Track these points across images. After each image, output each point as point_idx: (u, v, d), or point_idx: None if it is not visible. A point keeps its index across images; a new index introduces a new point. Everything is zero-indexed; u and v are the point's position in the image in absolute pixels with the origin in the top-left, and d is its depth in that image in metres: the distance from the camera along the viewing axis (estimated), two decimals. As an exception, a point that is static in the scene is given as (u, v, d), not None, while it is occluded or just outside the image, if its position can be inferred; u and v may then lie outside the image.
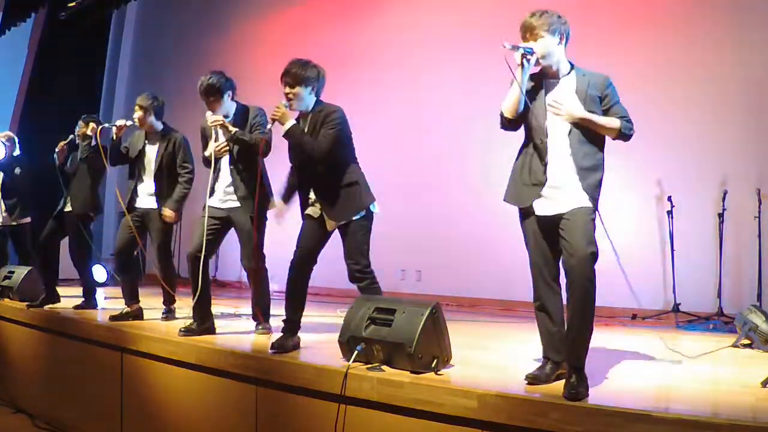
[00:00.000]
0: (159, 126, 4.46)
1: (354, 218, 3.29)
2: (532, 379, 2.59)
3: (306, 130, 3.33)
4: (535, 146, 2.69)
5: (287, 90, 3.33)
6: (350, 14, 7.69)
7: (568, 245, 2.53)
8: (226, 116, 3.84)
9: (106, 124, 4.52)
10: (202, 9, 9.21)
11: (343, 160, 3.34)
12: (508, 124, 2.72)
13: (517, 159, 2.80)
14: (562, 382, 2.45)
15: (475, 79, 6.40)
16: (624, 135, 2.66)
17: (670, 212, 5.41)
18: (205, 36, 8.99)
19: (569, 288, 2.53)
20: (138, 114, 4.38)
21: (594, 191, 2.63)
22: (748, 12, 5.35)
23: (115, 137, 4.41)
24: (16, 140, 5.92)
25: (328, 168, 3.30)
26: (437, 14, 7.03)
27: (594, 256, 2.49)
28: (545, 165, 2.65)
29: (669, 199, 5.43)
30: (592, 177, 2.62)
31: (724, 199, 5.21)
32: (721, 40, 5.44)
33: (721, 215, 5.21)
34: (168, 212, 4.33)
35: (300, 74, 3.31)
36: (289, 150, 3.43)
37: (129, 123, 4.42)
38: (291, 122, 3.28)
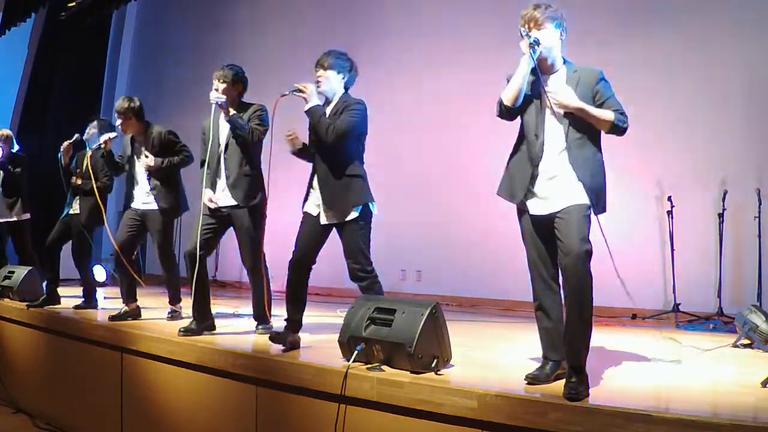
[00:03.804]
0: (142, 126, 4.44)
1: (350, 217, 3.27)
2: (532, 379, 2.59)
3: (327, 116, 3.34)
4: (528, 141, 2.69)
5: (320, 72, 3.37)
6: (352, 11, 7.69)
7: (563, 244, 2.52)
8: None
9: (95, 146, 4.56)
10: (202, 9, 9.21)
11: (351, 153, 3.34)
12: (507, 113, 2.70)
13: (512, 154, 2.78)
14: (563, 381, 2.45)
15: (475, 78, 6.39)
16: (618, 128, 2.61)
17: (670, 212, 5.41)
18: (206, 36, 8.99)
19: (566, 287, 2.53)
20: (118, 121, 4.38)
21: (601, 193, 2.62)
22: (748, 11, 5.36)
23: (105, 153, 4.44)
24: (13, 137, 5.91)
25: (335, 156, 3.30)
26: (437, 14, 7.03)
27: (588, 254, 2.48)
28: (539, 160, 2.64)
29: (669, 199, 5.43)
30: (596, 179, 2.61)
31: (724, 199, 5.21)
32: (721, 40, 5.44)
33: (721, 215, 5.21)
34: (150, 159, 4.27)
35: (335, 61, 3.37)
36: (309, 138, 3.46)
37: (113, 135, 4.46)
38: (315, 102, 3.31)
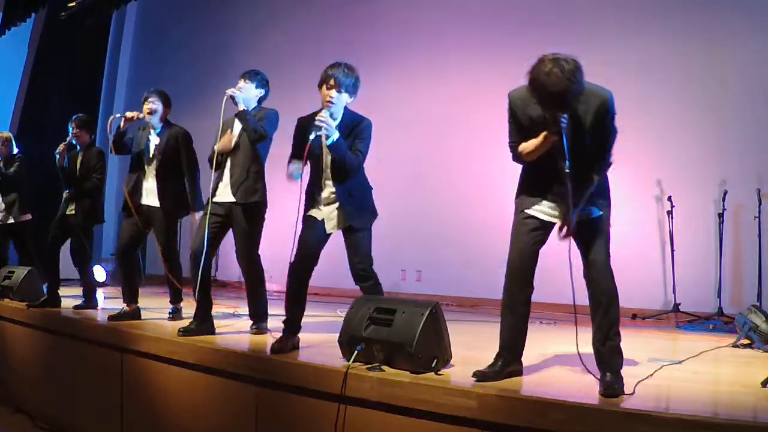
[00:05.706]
0: (165, 119, 4.48)
1: (362, 225, 3.34)
2: (481, 377, 2.60)
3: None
4: (542, 167, 2.65)
5: (334, 94, 3.23)
6: (353, 15, 7.69)
7: (586, 258, 2.60)
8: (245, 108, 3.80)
9: (117, 115, 4.43)
10: (202, 10, 9.21)
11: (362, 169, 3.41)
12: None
13: (525, 179, 2.77)
14: (564, 382, 2.45)
15: (477, 81, 6.40)
16: None
17: (670, 212, 5.41)
18: (205, 37, 8.99)
19: (591, 297, 2.60)
20: (152, 106, 4.38)
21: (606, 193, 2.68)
22: (749, 12, 5.36)
23: (121, 126, 4.35)
24: (13, 139, 5.91)
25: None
26: (438, 17, 7.03)
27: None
28: (557, 181, 2.62)
29: (669, 199, 5.43)
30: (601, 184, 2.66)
31: (724, 199, 5.21)
32: (721, 40, 5.45)
33: (721, 215, 5.22)
34: (196, 216, 4.30)
35: (350, 84, 3.27)
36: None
37: (140, 115, 4.37)
38: (336, 133, 3.19)
